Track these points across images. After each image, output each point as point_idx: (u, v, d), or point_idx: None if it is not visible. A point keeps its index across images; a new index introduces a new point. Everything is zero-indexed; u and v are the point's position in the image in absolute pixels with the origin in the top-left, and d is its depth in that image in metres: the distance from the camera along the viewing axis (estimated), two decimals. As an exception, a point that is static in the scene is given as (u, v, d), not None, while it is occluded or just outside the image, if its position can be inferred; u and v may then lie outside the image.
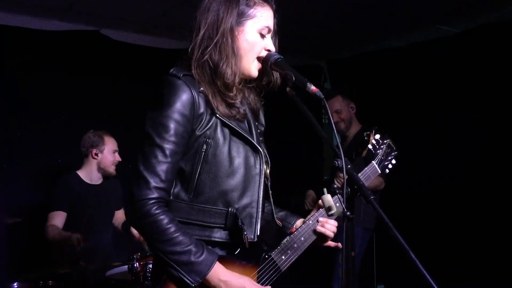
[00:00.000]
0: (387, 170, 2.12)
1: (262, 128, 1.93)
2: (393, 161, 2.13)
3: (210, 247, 1.67)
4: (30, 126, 4.19)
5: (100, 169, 3.72)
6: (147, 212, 1.57)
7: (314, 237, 1.82)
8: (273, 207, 1.90)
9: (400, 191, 4.27)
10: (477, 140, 4.24)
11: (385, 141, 2.12)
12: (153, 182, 1.58)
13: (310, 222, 1.83)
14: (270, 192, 1.87)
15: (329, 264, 3.92)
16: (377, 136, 2.11)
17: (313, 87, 1.54)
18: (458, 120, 4.41)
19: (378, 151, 2.09)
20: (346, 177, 1.40)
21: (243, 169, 1.71)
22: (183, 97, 1.62)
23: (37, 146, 4.21)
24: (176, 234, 1.58)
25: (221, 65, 1.67)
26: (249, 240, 1.70)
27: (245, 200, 1.72)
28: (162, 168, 1.59)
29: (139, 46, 4.76)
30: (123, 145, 3.90)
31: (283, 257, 1.77)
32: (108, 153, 3.70)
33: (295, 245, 1.78)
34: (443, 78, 4.58)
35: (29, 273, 3.06)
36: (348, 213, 1.39)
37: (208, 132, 1.66)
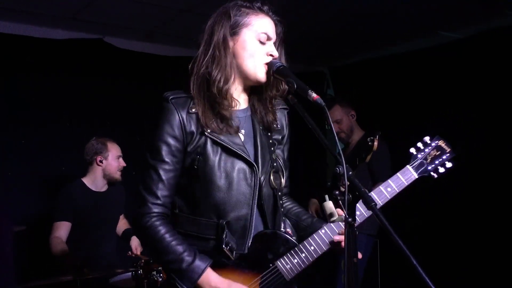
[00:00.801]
0: (435, 175, 1.88)
1: (279, 137, 1.95)
2: (447, 164, 1.88)
3: (205, 255, 1.73)
4: (34, 133, 4.21)
5: (106, 175, 3.72)
6: (145, 225, 1.72)
7: (327, 247, 1.79)
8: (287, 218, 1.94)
9: (403, 194, 4.26)
10: (479, 143, 4.24)
11: (433, 143, 1.89)
12: (150, 199, 1.74)
13: (323, 231, 1.79)
14: (281, 202, 1.87)
15: (332, 270, 3.91)
16: (426, 138, 1.90)
17: (314, 95, 1.55)
18: (461, 125, 4.40)
19: (419, 155, 1.88)
20: (347, 183, 1.40)
21: (235, 183, 1.76)
22: (171, 119, 1.75)
23: (42, 153, 4.22)
24: (171, 244, 1.69)
25: (213, 73, 1.75)
26: (238, 253, 1.76)
27: (237, 213, 1.77)
28: (156, 186, 1.74)
29: (143, 53, 4.78)
30: (127, 151, 3.91)
31: (288, 266, 1.77)
32: (112, 159, 3.71)
33: (303, 255, 1.77)
34: (446, 84, 4.58)
35: (33, 281, 3.06)
36: (349, 219, 1.39)
37: (198, 149, 1.75)
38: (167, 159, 1.74)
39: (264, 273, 1.78)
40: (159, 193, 1.73)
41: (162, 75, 4.66)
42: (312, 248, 1.78)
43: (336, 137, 2.77)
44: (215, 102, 1.76)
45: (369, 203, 1.40)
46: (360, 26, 4.55)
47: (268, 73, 1.78)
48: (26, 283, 3.00)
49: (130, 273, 3.18)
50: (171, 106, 1.76)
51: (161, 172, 1.74)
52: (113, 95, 4.57)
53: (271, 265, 1.78)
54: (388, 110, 4.99)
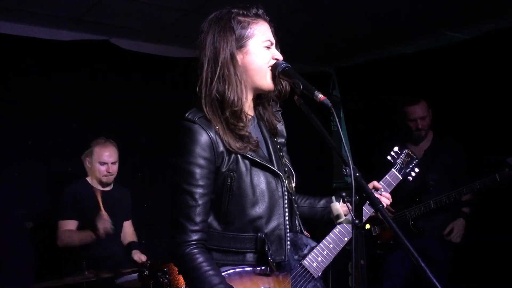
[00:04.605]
0: (410, 178, 2.33)
1: (283, 140, 1.98)
2: (416, 169, 2.34)
3: (245, 266, 1.76)
4: (41, 134, 4.23)
5: (94, 176, 3.73)
6: (185, 254, 1.67)
7: (343, 243, 1.93)
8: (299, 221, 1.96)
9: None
10: (487, 142, 4.21)
11: (403, 151, 2.33)
12: (189, 226, 1.68)
13: (337, 230, 1.94)
14: (296, 205, 1.94)
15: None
16: (396, 148, 2.35)
17: (320, 95, 1.55)
18: (468, 125, 4.38)
19: (398, 160, 2.31)
20: (354, 184, 1.39)
21: (267, 195, 1.77)
22: (202, 141, 1.68)
23: (48, 153, 4.24)
24: (207, 273, 1.64)
25: (227, 93, 1.70)
26: (278, 261, 1.78)
27: (272, 224, 1.78)
28: (194, 211, 1.68)
29: (149, 54, 4.79)
30: (133, 153, 3.91)
31: (314, 264, 1.87)
32: (95, 163, 3.67)
33: (325, 253, 1.90)
34: (452, 84, 4.56)
35: (38, 282, 3.07)
36: (356, 221, 1.38)
37: (231, 166, 1.72)
38: (201, 183, 1.69)
39: (294, 274, 1.84)
40: (197, 218, 1.68)
41: (168, 76, 4.67)
42: (332, 246, 1.92)
43: (414, 136, 3.62)
44: (230, 123, 1.72)
45: (376, 205, 1.40)
46: (366, 26, 4.54)
47: (273, 75, 1.77)
48: (31, 284, 3.01)
49: (136, 274, 3.19)
50: (198, 127, 1.69)
51: (197, 197, 1.68)
52: (119, 96, 4.57)
53: (298, 265, 1.85)
54: (393, 110, 4.97)
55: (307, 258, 1.87)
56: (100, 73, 4.51)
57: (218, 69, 1.71)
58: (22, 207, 3.97)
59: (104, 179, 3.70)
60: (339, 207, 1.54)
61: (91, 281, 3.11)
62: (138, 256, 3.67)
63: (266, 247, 1.72)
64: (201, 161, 1.68)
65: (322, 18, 4.32)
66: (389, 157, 2.33)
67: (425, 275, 1.29)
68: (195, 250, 1.67)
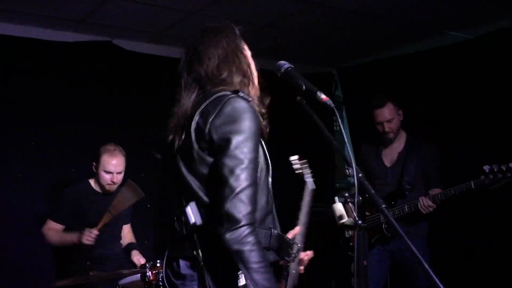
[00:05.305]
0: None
1: None
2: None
3: None
4: (43, 136, 4.23)
5: (98, 182, 3.70)
6: (245, 238, 1.50)
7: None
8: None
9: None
10: (489, 143, 4.20)
11: (303, 160, 2.59)
12: (251, 207, 1.53)
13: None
14: None
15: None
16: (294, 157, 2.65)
17: (323, 96, 1.55)
18: (470, 126, 4.38)
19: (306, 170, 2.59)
20: (357, 185, 1.39)
21: (270, 188, 1.74)
22: (257, 122, 1.61)
23: (51, 156, 4.25)
24: (268, 269, 1.53)
25: (246, 82, 1.73)
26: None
27: (272, 219, 1.74)
28: (256, 190, 1.57)
29: (151, 55, 4.79)
30: (135, 155, 3.90)
31: (293, 271, 1.88)
32: (101, 171, 3.62)
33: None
34: (454, 85, 4.55)
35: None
36: (360, 221, 1.38)
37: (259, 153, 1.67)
38: (260, 160, 1.63)
39: (287, 281, 1.85)
40: (257, 199, 1.59)
41: (170, 77, 4.66)
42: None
43: (383, 139, 3.55)
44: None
45: (378, 206, 1.40)
46: (368, 26, 4.53)
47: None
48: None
49: (139, 275, 3.19)
50: (254, 107, 1.63)
51: (259, 175, 1.61)
52: (121, 97, 4.58)
53: (285, 273, 1.85)
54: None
55: (290, 265, 1.83)
56: (102, 74, 4.52)
57: (235, 62, 1.74)
58: (25, 208, 3.97)
59: (107, 187, 3.67)
60: (342, 207, 1.53)
61: (93, 282, 3.11)
62: (137, 259, 3.64)
63: (290, 241, 1.65)
64: (259, 139, 1.63)
65: (324, 19, 4.32)
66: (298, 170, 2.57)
67: (427, 275, 1.29)
68: (255, 240, 1.52)
